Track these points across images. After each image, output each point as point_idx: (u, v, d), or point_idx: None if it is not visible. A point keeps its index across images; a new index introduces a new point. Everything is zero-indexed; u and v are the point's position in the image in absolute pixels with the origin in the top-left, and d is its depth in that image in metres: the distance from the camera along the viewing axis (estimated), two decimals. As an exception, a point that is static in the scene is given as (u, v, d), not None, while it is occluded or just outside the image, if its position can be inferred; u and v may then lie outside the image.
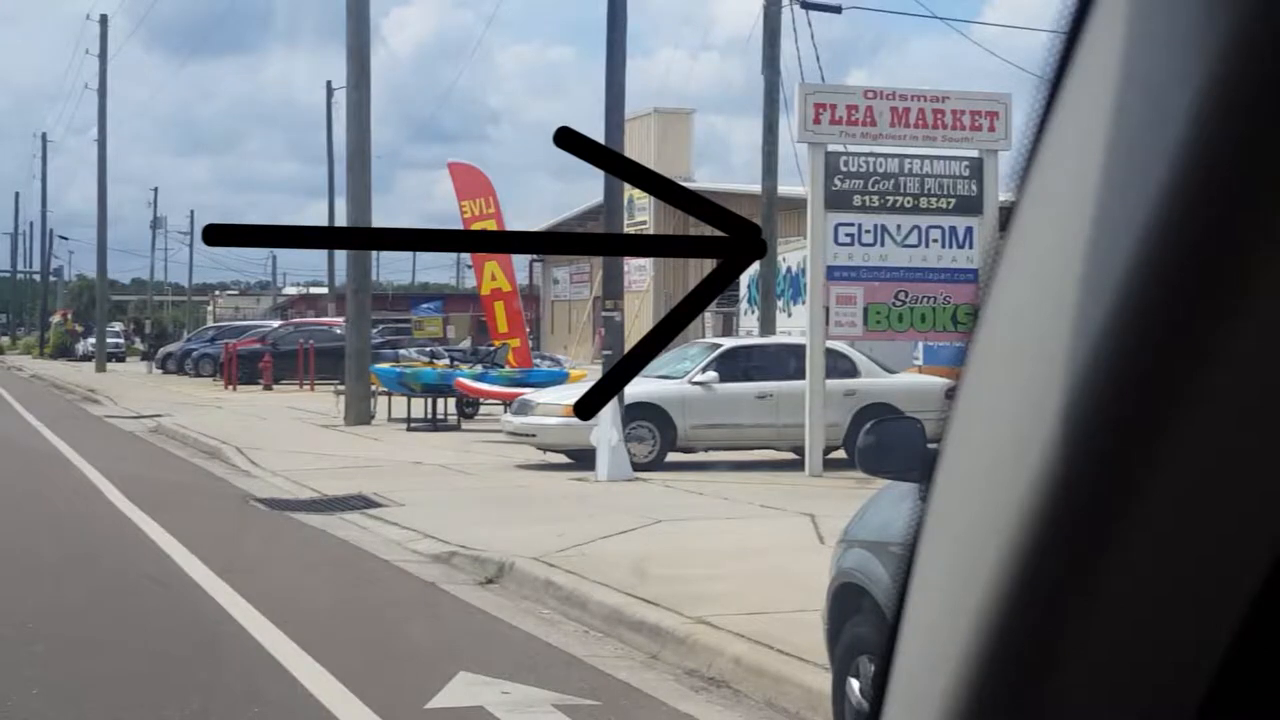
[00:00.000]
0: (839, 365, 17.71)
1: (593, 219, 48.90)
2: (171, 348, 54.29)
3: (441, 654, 8.02)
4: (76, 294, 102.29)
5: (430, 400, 24.99)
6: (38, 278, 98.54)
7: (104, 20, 59.52)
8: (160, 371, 50.06)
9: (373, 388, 26.30)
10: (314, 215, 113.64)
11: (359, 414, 25.51)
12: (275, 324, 50.36)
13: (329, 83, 61.72)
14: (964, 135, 16.95)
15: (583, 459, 16.95)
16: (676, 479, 16.23)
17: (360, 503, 14.34)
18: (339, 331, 35.90)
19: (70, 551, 11.59)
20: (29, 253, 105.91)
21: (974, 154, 17.03)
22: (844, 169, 16.76)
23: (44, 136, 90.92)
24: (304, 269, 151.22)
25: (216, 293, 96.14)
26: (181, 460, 20.00)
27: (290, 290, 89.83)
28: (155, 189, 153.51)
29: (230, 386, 38.08)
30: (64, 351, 71.06)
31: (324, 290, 66.23)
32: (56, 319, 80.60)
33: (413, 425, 24.50)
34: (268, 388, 37.88)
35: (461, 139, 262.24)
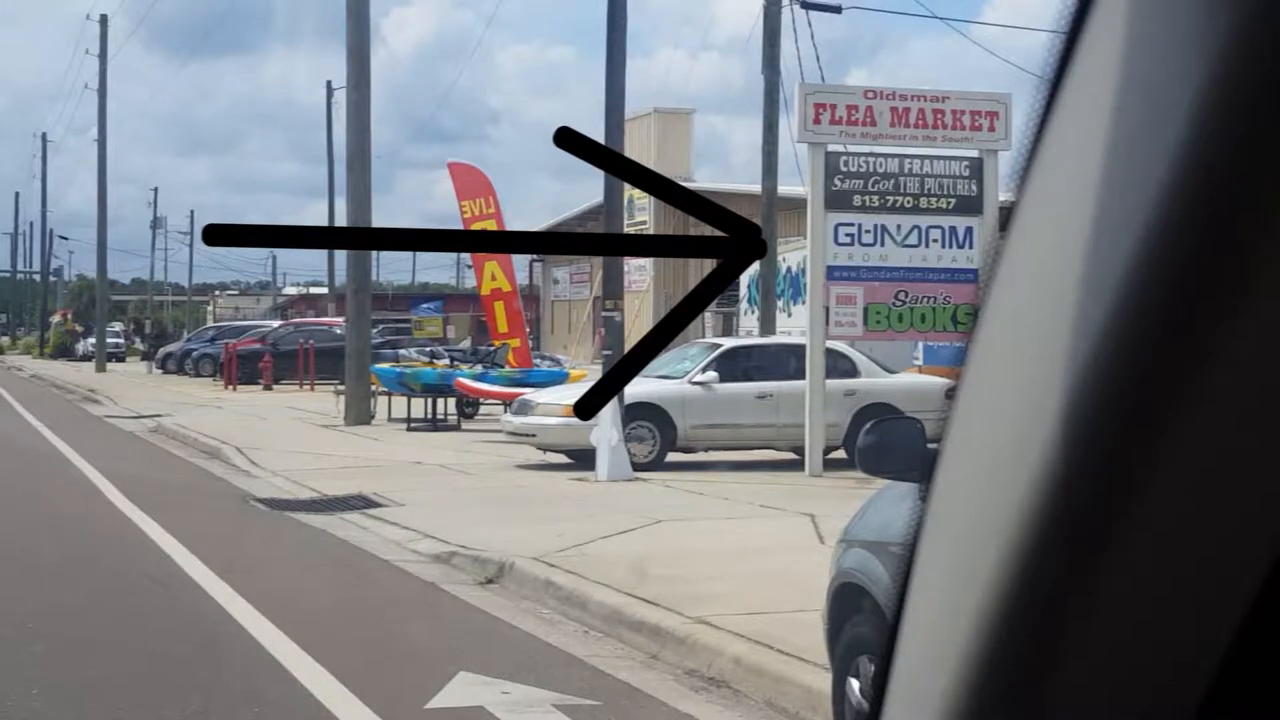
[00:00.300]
0: (839, 365, 17.71)
1: (593, 219, 48.90)
2: (171, 348, 54.28)
3: (441, 654, 8.01)
4: (76, 294, 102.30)
5: (430, 400, 24.98)
6: (38, 278, 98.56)
7: (104, 20, 59.60)
8: (160, 371, 50.06)
9: (373, 388, 26.30)
10: (314, 215, 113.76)
11: (359, 414, 25.51)
12: (275, 324, 50.36)
13: (329, 83, 61.87)
14: (964, 135, 16.95)
15: (583, 459, 16.94)
16: (676, 479, 16.23)
17: (360, 503, 14.34)
18: (339, 331, 35.90)
19: (70, 551, 11.59)
20: (29, 253, 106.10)
21: (974, 154, 17.03)
22: (844, 169, 16.76)
23: (44, 136, 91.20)
24: (304, 269, 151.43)
25: (216, 293, 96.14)
26: (181, 460, 20.00)
27: (290, 290, 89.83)
28: (155, 189, 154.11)
29: (230, 386, 38.08)
30: (64, 351, 71.06)
31: (324, 290, 66.25)
32: (56, 319, 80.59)
33: (413, 425, 24.49)
34: (268, 388, 37.87)
35: (461, 139, 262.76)
